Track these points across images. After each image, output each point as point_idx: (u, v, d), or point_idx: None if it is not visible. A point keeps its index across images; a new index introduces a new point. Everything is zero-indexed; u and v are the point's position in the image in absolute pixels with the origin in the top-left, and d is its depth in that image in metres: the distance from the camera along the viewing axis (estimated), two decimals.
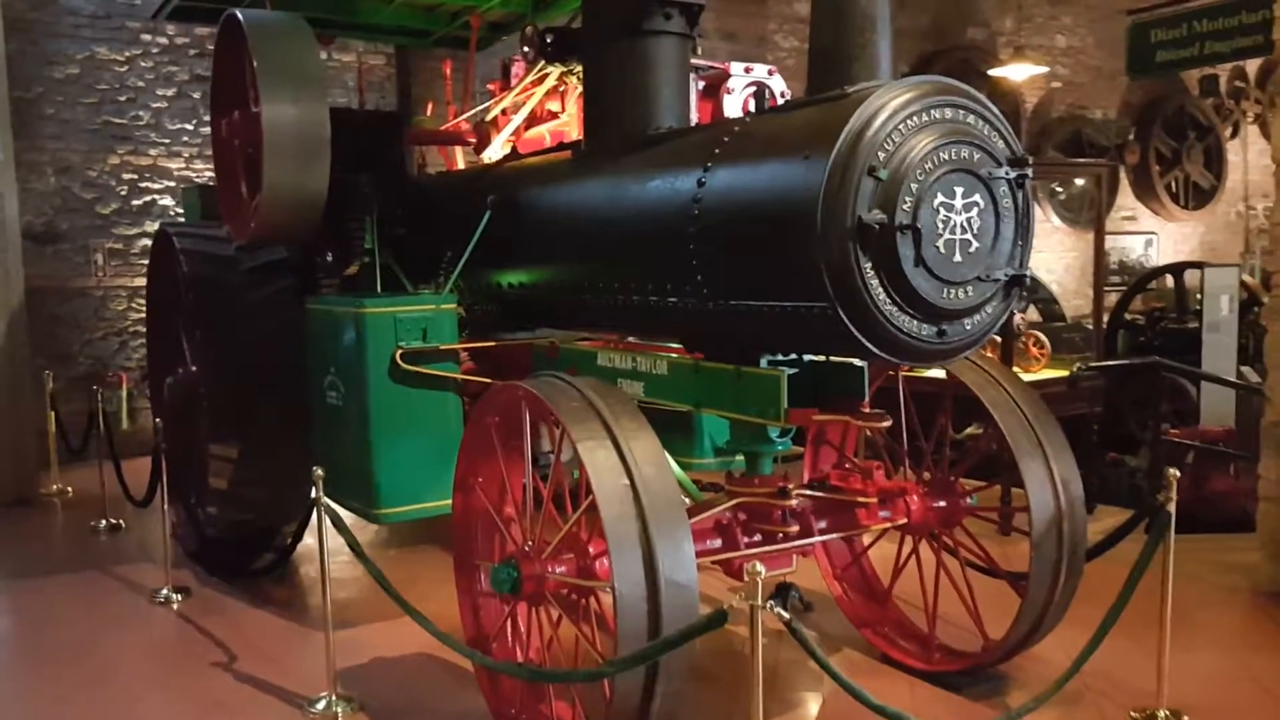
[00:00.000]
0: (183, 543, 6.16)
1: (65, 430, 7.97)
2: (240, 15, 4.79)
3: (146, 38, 9.41)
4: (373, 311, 4.50)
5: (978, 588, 4.18)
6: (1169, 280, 11.32)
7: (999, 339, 6.46)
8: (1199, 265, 10.41)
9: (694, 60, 4.74)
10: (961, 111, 3.07)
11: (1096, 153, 14.73)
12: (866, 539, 4.71)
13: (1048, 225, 15.33)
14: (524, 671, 3.41)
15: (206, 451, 5.50)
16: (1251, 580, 5.34)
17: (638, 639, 2.99)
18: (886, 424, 3.58)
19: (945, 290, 3.04)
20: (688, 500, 4.08)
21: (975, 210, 3.06)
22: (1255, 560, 5.38)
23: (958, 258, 3.04)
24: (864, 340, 3.05)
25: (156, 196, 9.50)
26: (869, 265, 2.96)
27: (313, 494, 4.08)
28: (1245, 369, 9.48)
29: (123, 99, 9.35)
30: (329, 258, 5.42)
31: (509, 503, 3.70)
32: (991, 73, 12.40)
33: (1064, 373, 6.79)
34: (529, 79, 5.47)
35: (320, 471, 4.06)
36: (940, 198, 2.99)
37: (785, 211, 3.08)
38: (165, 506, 5.52)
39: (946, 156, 2.99)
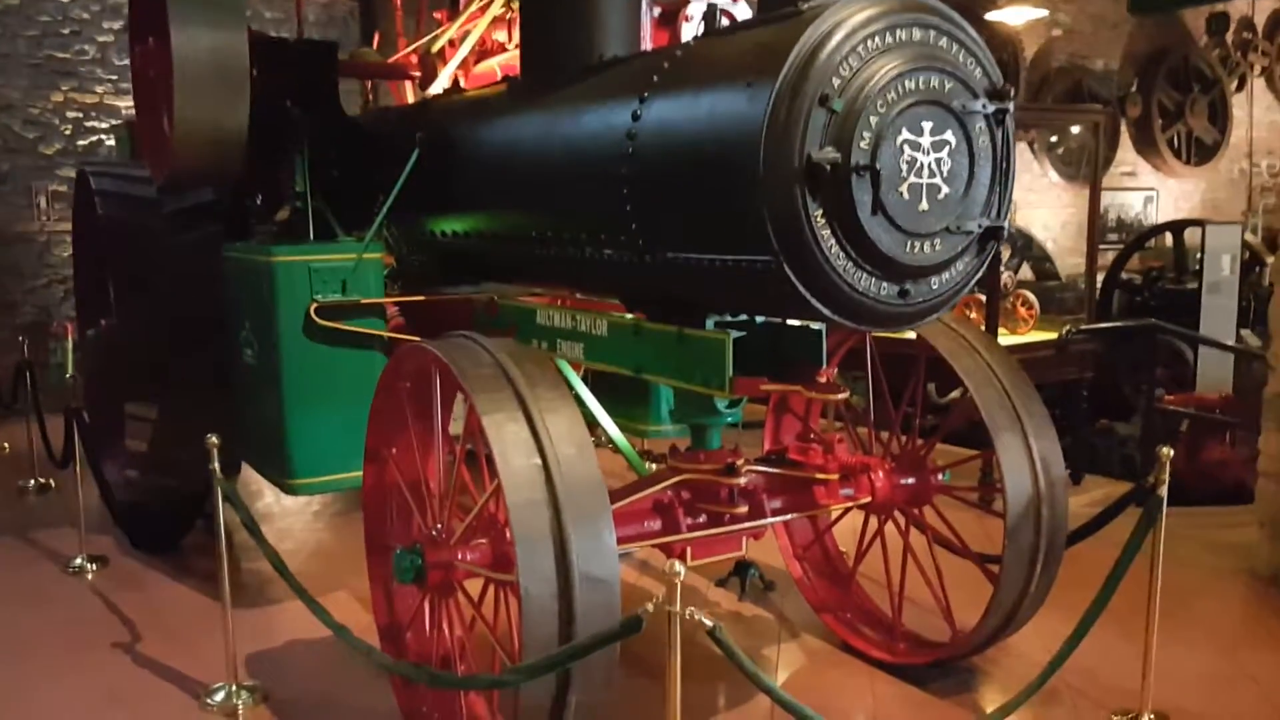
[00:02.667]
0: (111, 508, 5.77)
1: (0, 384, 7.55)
2: None
3: None
4: (283, 260, 4.05)
5: (951, 571, 3.78)
6: (1168, 239, 10.89)
7: (984, 299, 6.02)
8: (1199, 223, 9.98)
9: None
10: (933, 33, 2.61)
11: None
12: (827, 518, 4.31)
13: (1045, 180, 14.81)
14: (422, 674, 3.02)
15: (123, 411, 5.10)
16: (1249, 562, 4.95)
17: (547, 643, 2.60)
18: (842, 397, 3.16)
19: (908, 243, 2.60)
20: (632, 475, 3.71)
21: (946, 150, 2.61)
22: (1253, 539, 5.00)
23: (924, 205, 2.60)
24: (814, 300, 2.61)
25: (103, 136, 9.00)
26: (819, 213, 2.52)
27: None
28: (1245, 332, 9.12)
29: (66, 32, 8.82)
30: (259, 201, 4.97)
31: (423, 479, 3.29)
32: (988, 16, 11.82)
33: (1053, 335, 6.36)
34: (475, 7, 4.99)
35: (215, 439, 3.65)
36: (905, 134, 2.54)
37: (724, 149, 2.63)
38: (78, 470, 5.10)
39: (913, 85, 2.53)
